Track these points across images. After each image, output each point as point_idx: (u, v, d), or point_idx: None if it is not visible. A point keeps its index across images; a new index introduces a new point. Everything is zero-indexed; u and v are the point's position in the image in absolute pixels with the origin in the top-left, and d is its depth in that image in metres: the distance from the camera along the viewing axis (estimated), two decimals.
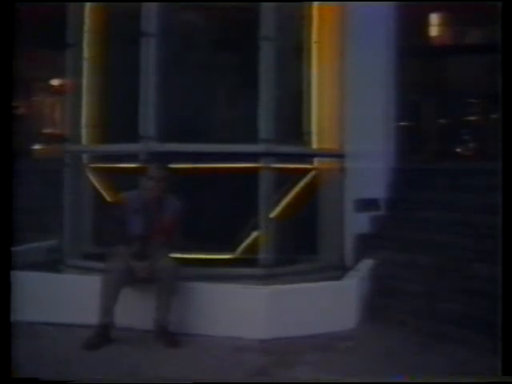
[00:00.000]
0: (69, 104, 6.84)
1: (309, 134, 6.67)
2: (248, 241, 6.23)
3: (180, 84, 6.35)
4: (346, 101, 6.73)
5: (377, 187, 7.05)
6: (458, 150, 9.32)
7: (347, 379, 4.53)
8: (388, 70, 7.13)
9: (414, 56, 9.31)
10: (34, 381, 3.81)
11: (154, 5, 6.10)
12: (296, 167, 6.58)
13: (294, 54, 6.68)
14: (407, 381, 4.40)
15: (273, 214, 6.18)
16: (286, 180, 6.36)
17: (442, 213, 6.65)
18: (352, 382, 4.51)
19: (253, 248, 6.16)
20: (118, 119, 6.60)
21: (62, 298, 5.62)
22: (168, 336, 5.14)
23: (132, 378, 4.51)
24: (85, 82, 6.62)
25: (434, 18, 11.28)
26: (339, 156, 6.78)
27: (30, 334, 5.14)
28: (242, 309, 5.38)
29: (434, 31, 11.36)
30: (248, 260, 6.11)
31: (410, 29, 8.46)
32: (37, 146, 13.81)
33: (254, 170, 6.09)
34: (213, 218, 6.28)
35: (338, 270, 6.34)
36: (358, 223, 6.93)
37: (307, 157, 6.73)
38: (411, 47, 8.92)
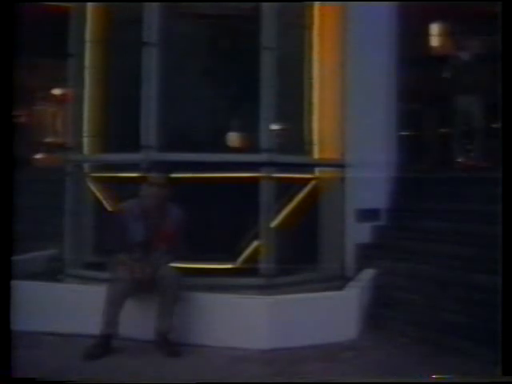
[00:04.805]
0: (70, 113, 6.86)
1: (310, 143, 6.68)
2: (249, 251, 6.23)
3: (181, 93, 6.36)
4: (346, 111, 6.73)
5: (378, 197, 7.04)
6: (459, 159, 9.31)
7: (347, 379, 4.53)
8: (389, 79, 7.13)
9: (415, 66, 9.30)
10: (33, 381, 3.82)
11: (155, 14, 6.12)
12: (297, 177, 6.59)
13: (295, 63, 6.69)
14: (408, 381, 4.39)
15: (274, 224, 6.18)
16: (286, 189, 6.36)
17: (443, 222, 6.64)
18: (352, 382, 4.51)
19: (253, 258, 6.16)
20: (119, 129, 6.61)
21: (62, 307, 5.60)
22: (169, 346, 5.13)
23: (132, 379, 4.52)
24: (86, 91, 6.64)
25: (435, 28, 11.30)
26: (340, 166, 6.77)
27: (29, 344, 5.13)
28: (243, 319, 5.37)
29: (434, 41, 11.38)
30: (249, 270, 6.10)
31: (411, 39, 8.47)
32: (38, 155, 13.80)
33: (255, 180, 6.10)
34: (213, 227, 6.28)
35: (339, 280, 6.34)
36: (358, 233, 6.91)
37: (308, 166, 6.74)
38: (412, 57, 8.93)
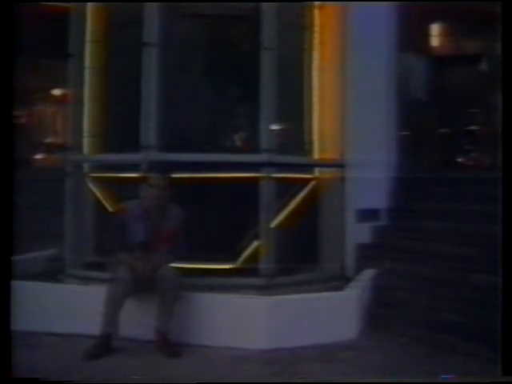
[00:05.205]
0: (70, 113, 6.85)
1: (310, 143, 6.67)
2: (249, 251, 6.22)
3: (181, 93, 6.36)
4: (346, 110, 6.73)
5: (378, 197, 7.04)
6: (459, 159, 9.34)
7: (347, 379, 4.53)
8: (389, 79, 7.14)
9: (416, 66, 9.32)
10: (34, 381, 3.82)
11: (155, 14, 6.12)
12: (297, 177, 6.58)
13: (295, 63, 6.69)
14: (409, 381, 4.40)
15: (274, 224, 6.18)
16: (286, 190, 6.36)
17: (443, 222, 6.65)
18: (352, 382, 4.51)
19: (253, 258, 6.16)
20: (119, 129, 6.61)
21: (62, 307, 5.60)
22: (169, 346, 5.12)
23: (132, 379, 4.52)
24: (86, 91, 6.64)
25: (435, 28, 11.33)
26: (340, 166, 6.77)
27: (30, 344, 5.13)
28: (243, 319, 5.37)
29: (434, 41, 11.41)
30: (249, 270, 6.10)
31: (411, 39, 8.49)
32: (38, 156, 13.83)
33: (255, 180, 6.09)
34: (213, 227, 6.27)
35: (339, 280, 6.34)
36: (358, 233, 6.91)
37: (308, 166, 6.73)
38: (412, 57, 8.96)
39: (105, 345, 5.07)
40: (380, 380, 4.52)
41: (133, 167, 6.06)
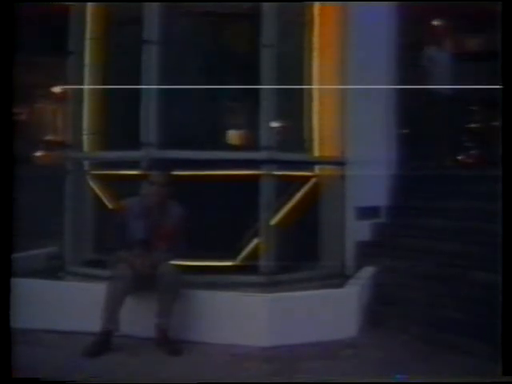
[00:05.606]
0: (70, 111, 6.85)
1: (310, 141, 6.67)
2: (249, 248, 6.22)
3: (181, 91, 6.35)
4: (347, 108, 6.72)
5: (378, 194, 7.04)
6: (459, 156, 9.32)
7: (347, 379, 4.53)
8: (389, 77, 7.13)
9: (414, 64, 9.30)
10: (34, 381, 3.82)
11: (155, 12, 6.11)
12: (297, 174, 6.57)
13: (296, 61, 6.69)
14: (407, 381, 4.40)
15: (274, 222, 6.18)
16: (287, 187, 6.35)
17: (443, 220, 6.65)
18: (352, 382, 4.51)
19: (254, 255, 6.16)
20: (119, 126, 6.61)
21: (62, 305, 5.60)
22: (169, 343, 5.13)
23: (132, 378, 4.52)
24: (86, 89, 6.63)
25: (436, 26, 11.30)
26: (340, 163, 6.76)
27: (30, 341, 5.13)
28: (243, 316, 5.37)
29: (436, 39, 11.37)
30: (249, 267, 6.10)
31: (411, 37, 8.48)
32: (38, 153, 13.83)
33: (255, 178, 6.09)
34: (214, 225, 6.26)
35: (339, 278, 6.33)
36: (358, 231, 6.92)
37: (308, 164, 6.73)
38: (412, 55, 8.94)
39: (105, 342, 5.07)
40: (380, 380, 4.52)
41: (133, 165, 6.06)
